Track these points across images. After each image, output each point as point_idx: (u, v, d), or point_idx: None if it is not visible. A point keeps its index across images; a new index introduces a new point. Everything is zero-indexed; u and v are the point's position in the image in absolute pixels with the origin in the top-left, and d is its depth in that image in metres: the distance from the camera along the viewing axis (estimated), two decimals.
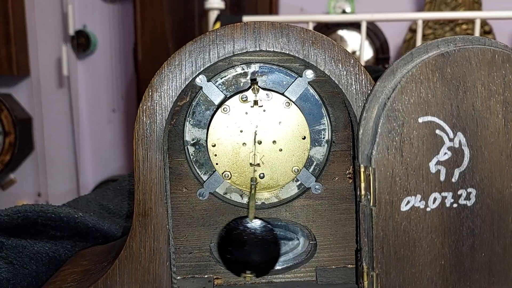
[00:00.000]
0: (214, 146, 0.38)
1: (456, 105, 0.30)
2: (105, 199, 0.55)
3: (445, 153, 0.30)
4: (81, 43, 1.80)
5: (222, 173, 0.39)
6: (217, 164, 0.38)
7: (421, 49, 0.31)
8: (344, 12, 1.56)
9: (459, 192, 0.31)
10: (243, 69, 0.39)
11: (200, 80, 0.38)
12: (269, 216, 0.41)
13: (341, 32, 1.52)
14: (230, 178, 0.39)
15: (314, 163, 0.40)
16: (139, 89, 1.70)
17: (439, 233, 0.31)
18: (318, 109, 0.39)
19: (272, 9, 1.64)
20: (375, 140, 0.30)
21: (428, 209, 0.31)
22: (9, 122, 1.65)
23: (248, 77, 0.39)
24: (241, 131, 0.38)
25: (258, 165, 0.39)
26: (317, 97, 0.39)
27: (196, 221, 0.39)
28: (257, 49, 0.31)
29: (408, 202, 0.30)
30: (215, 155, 0.38)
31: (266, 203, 0.40)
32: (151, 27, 1.61)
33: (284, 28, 0.31)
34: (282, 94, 0.38)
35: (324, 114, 0.39)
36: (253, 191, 0.37)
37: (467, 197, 0.31)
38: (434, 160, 0.30)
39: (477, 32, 0.96)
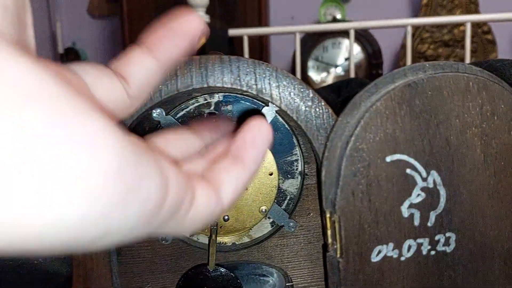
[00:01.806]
0: None
1: (428, 141, 0.27)
2: None
3: (418, 195, 0.27)
4: (71, 60, 1.78)
5: None
6: None
7: (387, 79, 0.27)
8: (334, 18, 1.53)
9: (436, 238, 0.27)
10: (206, 99, 0.35)
11: (158, 114, 0.34)
12: (240, 258, 0.37)
13: (333, 40, 1.49)
14: None
15: (288, 198, 0.37)
16: None
17: (417, 285, 0.27)
18: (289, 138, 0.36)
19: (262, 18, 1.62)
20: (338, 183, 0.26)
21: (402, 258, 0.27)
22: None
23: (212, 108, 0.36)
24: None
25: None
26: (287, 126, 0.36)
27: (160, 268, 0.36)
28: (205, 85, 0.28)
29: (380, 251, 0.27)
30: None
31: (237, 243, 0.37)
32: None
33: (234, 62, 0.28)
34: None
35: (295, 144, 0.36)
36: (213, 237, 0.34)
37: (446, 243, 0.27)
38: (407, 203, 0.27)
39: (468, 37, 0.93)
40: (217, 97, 0.36)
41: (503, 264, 0.29)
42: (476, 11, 1.20)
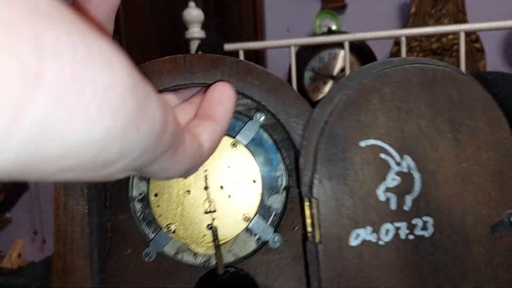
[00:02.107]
0: (156, 196, 0.35)
1: (400, 127, 0.28)
2: None
3: (394, 179, 0.28)
4: None
5: (166, 226, 0.35)
6: (160, 216, 0.35)
7: (359, 73, 0.29)
8: (329, 30, 1.56)
9: (413, 222, 0.28)
10: None
11: None
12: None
13: (329, 51, 1.52)
14: (174, 232, 0.35)
15: (273, 213, 0.36)
16: None
17: (397, 270, 0.28)
18: (273, 154, 0.36)
19: (258, 30, 1.65)
20: (315, 168, 0.27)
21: (381, 242, 0.28)
22: None
23: None
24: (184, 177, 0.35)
25: (215, 211, 0.35)
26: (271, 141, 0.35)
27: (145, 285, 0.35)
28: (188, 82, 0.29)
29: (358, 235, 0.28)
30: (158, 206, 0.35)
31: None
32: (138, 57, 1.62)
33: (215, 60, 0.29)
34: (234, 137, 0.35)
35: (279, 160, 0.36)
36: (216, 241, 0.34)
37: (424, 227, 0.28)
38: (382, 187, 0.28)
39: (462, 46, 0.95)
40: None
41: (482, 250, 0.30)
42: (464, 20, 1.22)
